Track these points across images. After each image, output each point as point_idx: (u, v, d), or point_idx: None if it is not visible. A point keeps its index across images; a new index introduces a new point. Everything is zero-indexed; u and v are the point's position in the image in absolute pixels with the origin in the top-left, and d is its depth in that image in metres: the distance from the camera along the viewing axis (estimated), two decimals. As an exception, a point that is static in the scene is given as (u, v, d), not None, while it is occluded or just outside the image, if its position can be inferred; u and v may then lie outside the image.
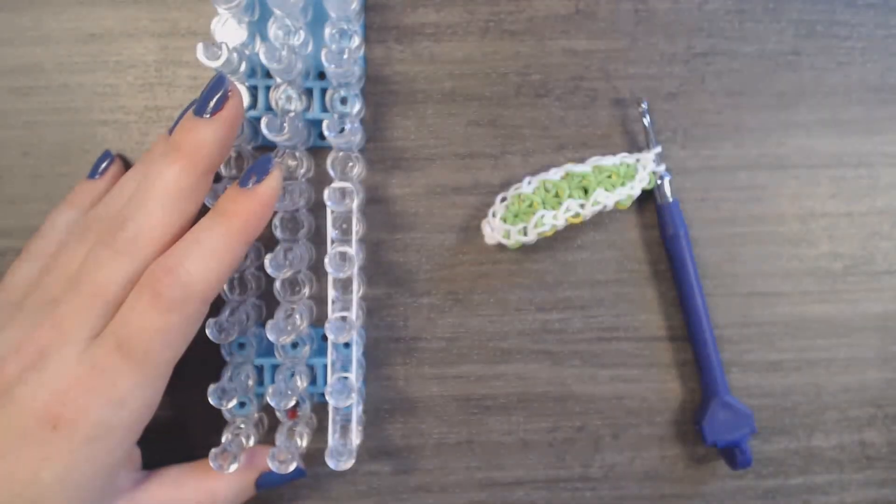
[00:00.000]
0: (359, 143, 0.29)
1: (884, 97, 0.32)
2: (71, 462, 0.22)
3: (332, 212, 0.28)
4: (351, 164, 0.29)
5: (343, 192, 0.27)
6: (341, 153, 0.29)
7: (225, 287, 0.29)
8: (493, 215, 0.30)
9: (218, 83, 0.25)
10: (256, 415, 0.29)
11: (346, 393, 0.27)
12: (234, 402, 0.27)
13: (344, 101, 0.29)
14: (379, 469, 0.31)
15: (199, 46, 0.26)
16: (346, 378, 0.28)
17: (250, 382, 0.29)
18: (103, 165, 0.29)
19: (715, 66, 0.32)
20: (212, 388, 0.27)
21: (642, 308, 0.32)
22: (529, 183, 0.30)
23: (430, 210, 0.31)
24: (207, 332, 0.27)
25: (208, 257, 0.24)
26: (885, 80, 0.32)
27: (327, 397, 0.27)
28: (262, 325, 0.28)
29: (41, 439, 0.22)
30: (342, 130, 0.28)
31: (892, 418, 0.32)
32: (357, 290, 0.28)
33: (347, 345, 0.29)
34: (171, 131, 0.26)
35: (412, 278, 0.31)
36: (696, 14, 0.32)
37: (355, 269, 0.28)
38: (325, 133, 0.27)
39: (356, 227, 0.28)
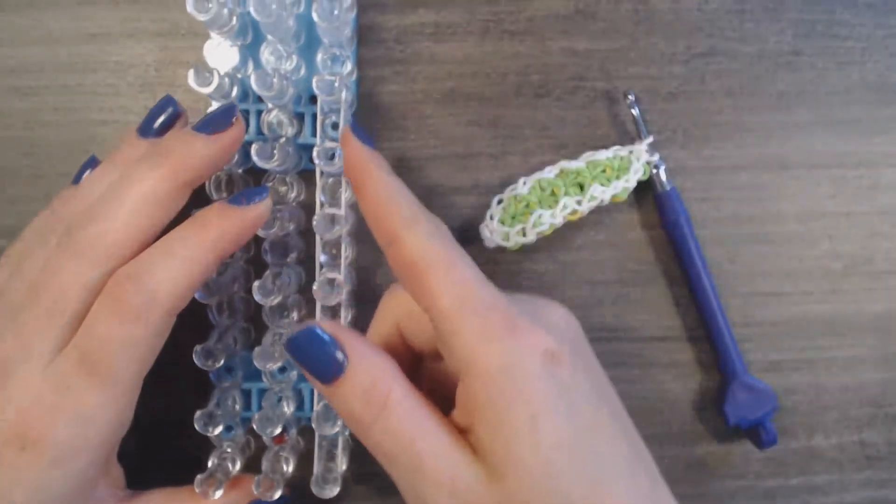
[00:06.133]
0: None
1: (884, 97, 0.32)
2: (42, 483, 0.22)
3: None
4: (341, 189, 0.28)
5: (332, 219, 0.27)
6: (331, 179, 0.28)
7: (213, 311, 0.28)
8: (491, 218, 0.30)
9: (228, 110, 0.25)
10: (243, 438, 0.29)
11: (331, 420, 0.27)
12: (220, 429, 0.27)
13: (335, 126, 0.28)
14: (377, 471, 0.31)
15: (191, 73, 0.26)
16: None
17: (237, 407, 0.28)
18: (87, 173, 0.28)
19: (715, 66, 0.32)
20: (198, 414, 0.27)
21: (642, 308, 0.32)
22: (525, 183, 0.30)
23: (430, 210, 0.31)
24: (195, 359, 0.26)
25: (178, 266, 0.22)
26: (885, 80, 0.32)
27: (313, 425, 0.27)
28: (251, 348, 0.28)
29: (10, 461, 0.21)
30: (332, 157, 0.27)
31: (892, 418, 0.32)
32: (346, 316, 0.28)
33: None
34: (139, 130, 0.26)
35: (412, 278, 0.31)
36: (696, 14, 0.32)
37: (344, 296, 0.27)
38: (315, 162, 0.27)
39: (346, 253, 0.28)
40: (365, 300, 0.31)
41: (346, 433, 0.29)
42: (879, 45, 0.32)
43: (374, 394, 0.20)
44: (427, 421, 0.20)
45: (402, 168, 0.31)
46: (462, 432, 0.20)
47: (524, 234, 0.29)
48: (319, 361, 0.21)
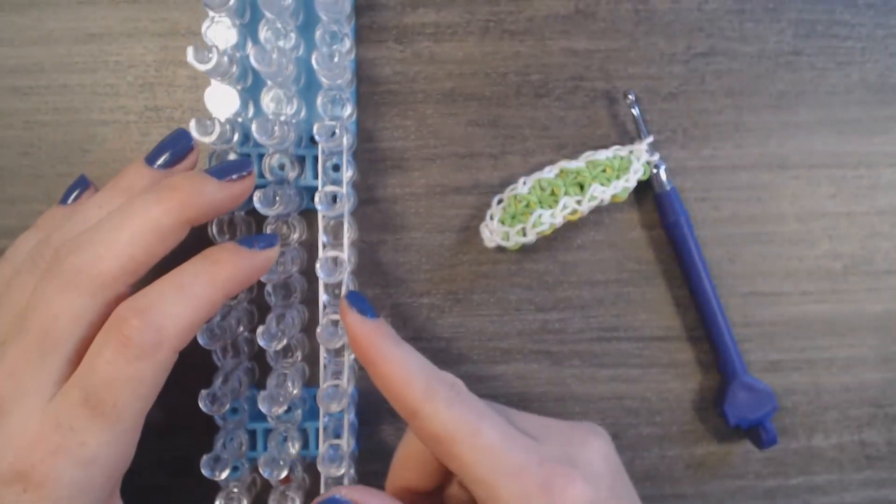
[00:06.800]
0: (351, 207, 0.29)
1: (884, 97, 0.32)
2: None
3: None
4: (343, 230, 0.28)
5: (336, 262, 0.27)
6: (333, 221, 0.28)
7: (218, 352, 0.28)
8: (491, 218, 0.30)
9: (244, 163, 0.25)
10: (249, 477, 0.29)
11: (337, 461, 0.27)
12: (227, 472, 0.27)
13: (336, 168, 0.28)
14: (376, 470, 0.31)
15: (192, 123, 0.26)
16: (337, 445, 0.27)
17: (243, 448, 0.28)
18: (75, 193, 0.27)
19: (715, 66, 0.32)
20: (204, 459, 0.27)
21: (642, 308, 0.32)
22: (525, 183, 0.30)
23: (430, 210, 0.31)
24: (200, 404, 0.26)
25: (186, 302, 0.22)
26: (885, 80, 0.32)
27: (318, 467, 0.27)
28: (256, 386, 0.27)
29: (12, 502, 0.21)
30: (333, 201, 0.27)
31: (892, 418, 0.32)
32: (349, 354, 0.27)
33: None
34: (148, 158, 0.26)
35: (412, 278, 0.31)
36: (696, 14, 0.32)
37: (346, 338, 0.27)
38: (317, 206, 0.27)
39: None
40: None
41: (352, 472, 0.29)
42: (879, 45, 0.32)
43: None
44: None
45: (403, 167, 0.31)
46: None
47: (524, 234, 0.29)
48: None
